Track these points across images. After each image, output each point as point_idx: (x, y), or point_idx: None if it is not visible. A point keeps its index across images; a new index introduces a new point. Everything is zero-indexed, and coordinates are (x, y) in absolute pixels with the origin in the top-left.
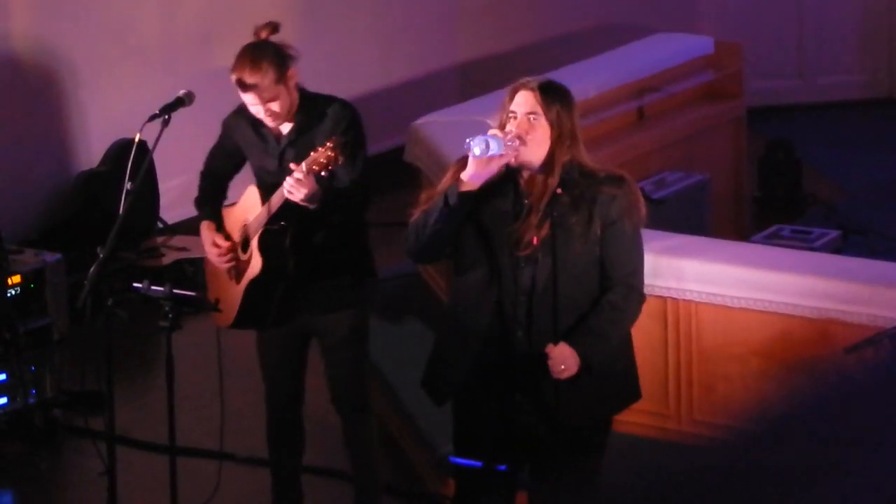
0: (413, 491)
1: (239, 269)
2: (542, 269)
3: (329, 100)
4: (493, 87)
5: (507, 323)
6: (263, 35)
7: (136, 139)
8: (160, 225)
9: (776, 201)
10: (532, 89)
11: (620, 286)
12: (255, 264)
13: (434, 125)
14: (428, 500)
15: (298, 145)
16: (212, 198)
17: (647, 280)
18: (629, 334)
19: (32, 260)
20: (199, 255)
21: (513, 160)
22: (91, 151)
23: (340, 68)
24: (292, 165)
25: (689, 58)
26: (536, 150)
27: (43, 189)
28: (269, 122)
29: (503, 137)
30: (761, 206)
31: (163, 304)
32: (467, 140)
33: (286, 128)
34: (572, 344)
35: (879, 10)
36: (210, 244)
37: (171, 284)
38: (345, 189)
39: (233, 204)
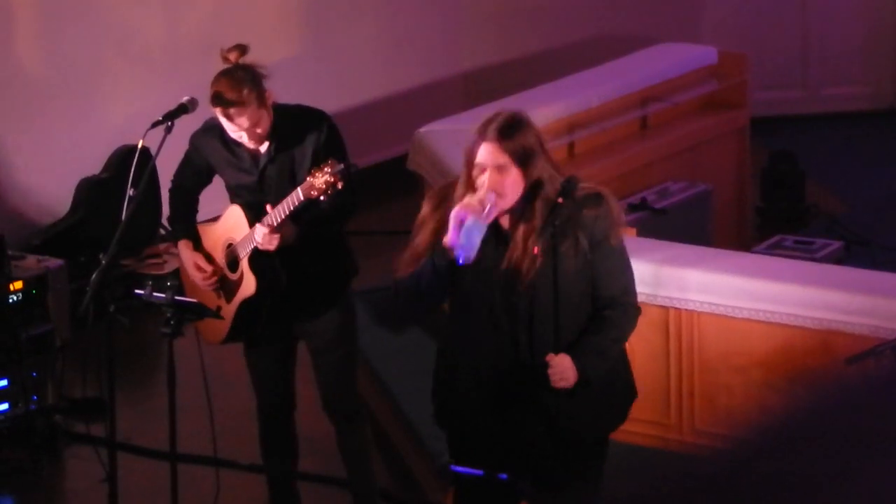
0: (414, 499)
1: (227, 288)
2: (541, 299)
3: (303, 111)
4: (498, 96)
5: (511, 354)
6: (233, 58)
7: (139, 146)
8: (162, 232)
9: (779, 212)
10: (492, 140)
11: (617, 304)
12: (249, 285)
13: (437, 134)
14: None
15: (278, 162)
16: (185, 215)
17: (649, 290)
18: (624, 353)
19: (35, 266)
20: None
21: (496, 214)
22: (94, 158)
23: (344, 77)
24: (268, 207)
25: (692, 68)
26: (513, 195)
27: (45, 195)
28: (250, 144)
29: (482, 213)
30: (764, 217)
31: (164, 310)
32: (453, 248)
33: (264, 146)
34: (573, 358)
35: (883, 22)
36: (192, 266)
37: (173, 291)
38: (327, 212)
39: (211, 220)
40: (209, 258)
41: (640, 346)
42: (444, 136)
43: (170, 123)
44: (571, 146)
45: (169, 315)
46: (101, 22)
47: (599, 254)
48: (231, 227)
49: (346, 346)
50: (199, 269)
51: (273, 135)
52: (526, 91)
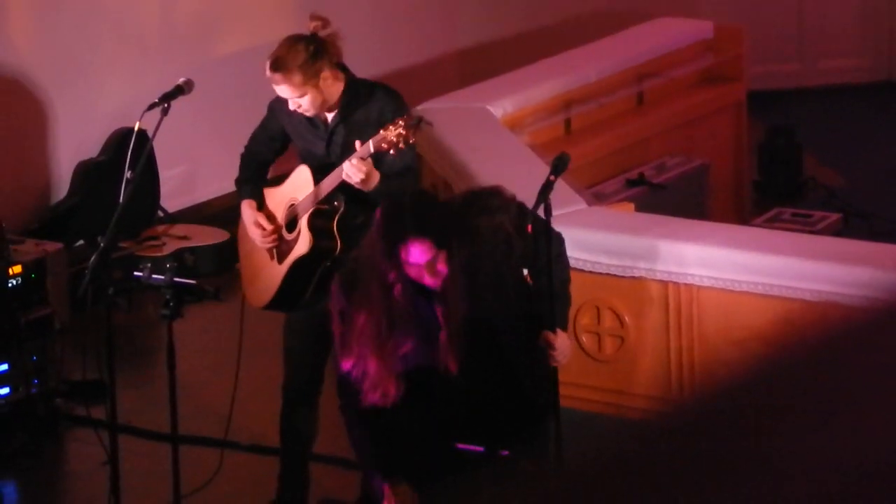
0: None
1: (282, 249)
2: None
3: (375, 86)
4: (494, 74)
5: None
6: (311, 27)
7: (136, 128)
8: (161, 214)
9: (776, 186)
10: (417, 242)
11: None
12: (303, 244)
13: (434, 112)
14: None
15: (344, 131)
16: (252, 178)
17: (647, 265)
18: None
19: (33, 250)
20: (201, 244)
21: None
22: (91, 141)
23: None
24: (357, 143)
25: (688, 42)
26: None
27: (43, 179)
28: (302, 112)
29: None
30: (762, 191)
31: (163, 292)
32: None
33: (332, 113)
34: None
35: None
36: (253, 223)
37: (172, 273)
38: (398, 172)
39: (276, 183)
40: (271, 219)
41: (640, 321)
42: (440, 114)
43: (166, 105)
44: (568, 122)
45: (168, 297)
46: (97, 4)
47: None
48: (297, 187)
49: None
50: (260, 226)
51: (342, 105)
52: (522, 68)
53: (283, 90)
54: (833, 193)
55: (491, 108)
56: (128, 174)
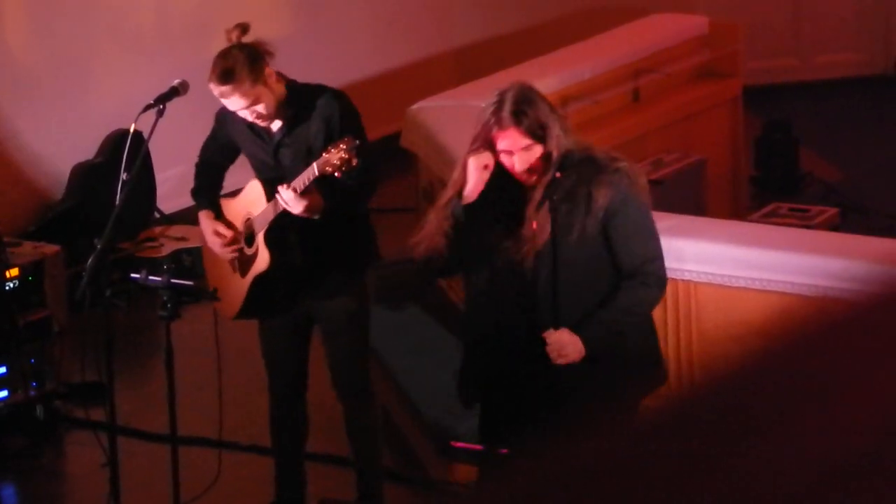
0: (416, 477)
1: (243, 262)
2: (543, 264)
3: (318, 90)
4: (489, 72)
5: (515, 319)
6: (234, 38)
7: (132, 130)
8: (157, 215)
9: (774, 181)
10: (507, 127)
11: (631, 277)
12: (263, 259)
13: (430, 110)
14: (430, 486)
15: (291, 141)
16: (208, 188)
17: None
18: (647, 321)
19: (31, 252)
20: (198, 245)
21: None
22: (88, 143)
23: (336, 55)
24: (280, 189)
25: (684, 38)
26: (543, 169)
27: (40, 181)
28: (258, 122)
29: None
30: (759, 186)
31: (161, 293)
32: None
33: (277, 124)
34: (576, 331)
35: None
36: (211, 233)
37: (169, 274)
38: (350, 188)
39: (232, 194)
40: (230, 228)
41: None
42: (436, 112)
43: (161, 107)
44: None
45: (165, 298)
46: (93, 5)
47: (613, 226)
48: (250, 202)
49: (359, 330)
50: (219, 234)
51: (286, 113)
52: (517, 65)
53: (235, 102)
54: (830, 188)
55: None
56: (124, 176)
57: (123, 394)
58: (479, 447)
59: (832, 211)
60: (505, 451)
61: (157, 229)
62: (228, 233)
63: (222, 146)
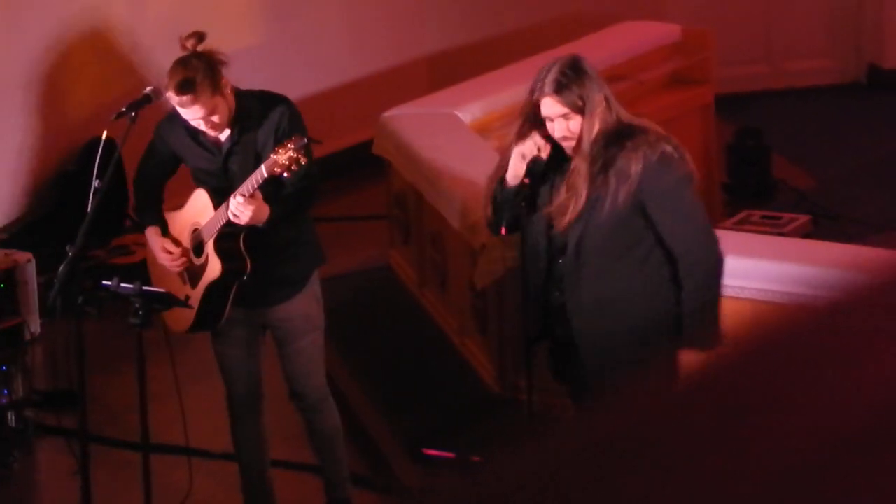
0: (384, 482)
1: (193, 273)
2: (574, 231)
3: (263, 96)
4: (462, 79)
5: (548, 283)
6: (189, 46)
7: (104, 137)
8: (129, 223)
9: (746, 188)
10: (549, 94)
11: (682, 263)
12: (214, 268)
13: (403, 118)
14: (399, 491)
15: (240, 149)
16: (151, 204)
17: None
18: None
19: (3, 260)
20: None
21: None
22: (62, 151)
23: (308, 62)
24: (231, 200)
25: (656, 45)
26: (584, 138)
27: (13, 189)
28: (210, 132)
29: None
30: (731, 193)
31: (133, 301)
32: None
33: (225, 133)
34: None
35: None
36: (160, 250)
37: (141, 282)
38: (295, 193)
39: (175, 208)
40: (176, 243)
41: None
42: (409, 119)
43: (133, 114)
44: None
45: (137, 306)
46: (65, 13)
47: (654, 209)
48: (197, 211)
49: (313, 334)
50: (167, 251)
51: (235, 121)
52: (490, 73)
53: (195, 111)
54: (802, 195)
55: (459, 114)
56: (96, 183)
57: (95, 401)
58: (451, 455)
59: (804, 218)
60: (476, 458)
61: (130, 237)
62: (176, 249)
63: (162, 161)
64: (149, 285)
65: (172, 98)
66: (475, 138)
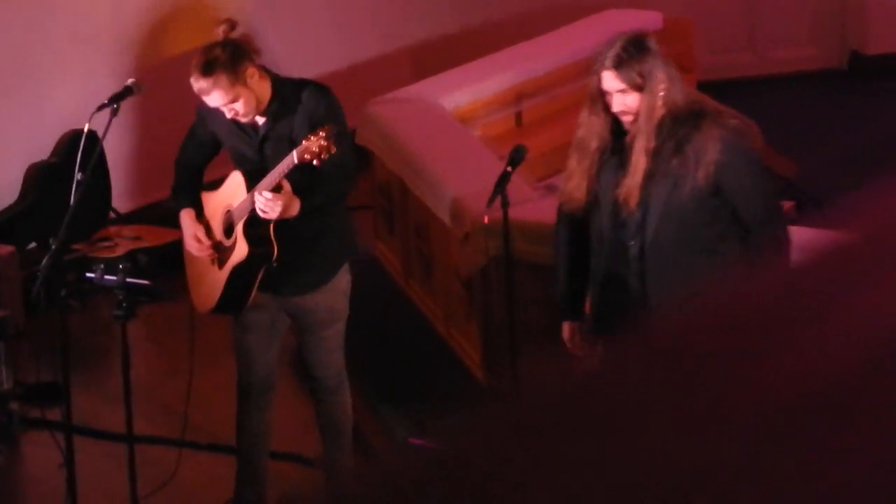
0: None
1: (222, 255)
2: (650, 215)
3: (302, 84)
4: (446, 68)
5: (622, 269)
6: (221, 33)
7: (86, 129)
8: (113, 215)
9: None
10: (608, 69)
11: (755, 236)
12: (241, 251)
13: (386, 107)
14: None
15: (275, 135)
16: (188, 186)
17: None
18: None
19: None
20: (153, 245)
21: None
22: (42, 143)
23: (292, 51)
24: (258, 196)
25: None
26: (642, 115)
27: None
28: (237, 118)
29: None
30: None
31: (116, 293)
32: None
33: (261, 119)
34: None
35: None
36: (191, 237)
37: (125, 273)
38: (326, 185)
39: (212, 187)
40: (208, 228)
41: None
42: (392, 109)
43: (116, 106)
44: (519, 116)
45: (121, 298)
46: (48, 4)
47: (730, 186)
48: (231, 193)
49: (336, 325)
50: (197, 239)
51: (270, 107)
52: (473, 62)
53: (215, 98)
54: (786, 182)
55: (443, 103)
56: (78, 176)
57: (80, 394)
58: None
59: (788, 205)
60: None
61: (112, 229)
62: (206, 241)
63: (202, 143)
64: (133, 277)
65: (193, 84)
66: (458, 127)
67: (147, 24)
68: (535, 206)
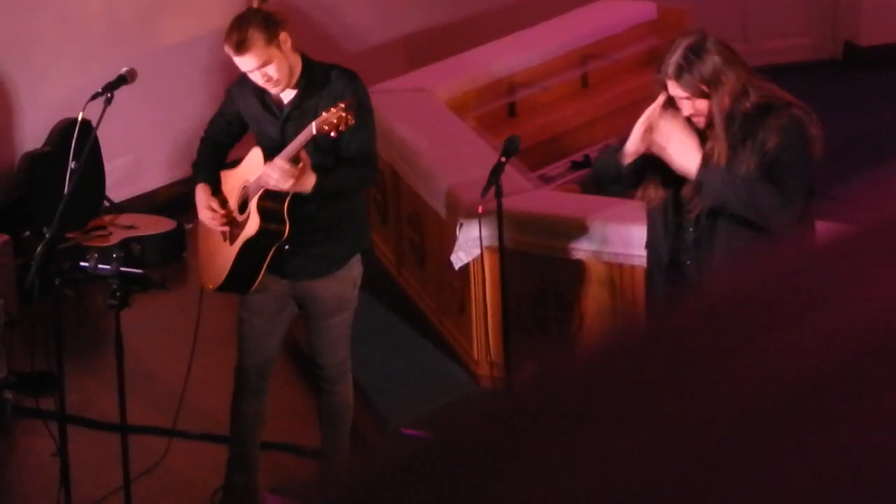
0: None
1: (234, 231)
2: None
3: (332, 67)
4: (439, 58)
5: (678, 251)
6: (255, 2)
7: (79, 118)
8: (106, 203)
9: None
10: (670, 78)
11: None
12: (252, 224)
13: (379, 96)
14: None
15: (299, 115)
16: (208, 163)
17: (594, 247)
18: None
19: None
20: (147, 233)
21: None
22: (36, 132)
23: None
24: (270, 165)
25: (632, 24)
26: (709, 115)
27: None
28: (270, 88)
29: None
30: None
31: (110, 282)
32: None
33: (288, 95)
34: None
35: None
36: (205, 207)
37: (118, 262)
38: (345, 168)
39: (233, 166)
40: (224, 203)
41: (586, 303)
42: (385, 98)
43: (109, 95)
44: (512, 106)
45: (115, 287)
46: None
47: (773, 161)
48: (249, 169)
49: (344, 314)
50: (211, 209)
51: (300, 86)
52: (467, 51)
53: (248, 61)
54: None
55: (436, 92)
56: (72, 164)
57: (73, 383)
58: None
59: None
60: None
61: (106, 218)
62: (220, 210)
63: (229, 122)
64: (126, 266)
65: (228, 49)
66: (451, 116)
67: (141, 12)
68: (529, 197)
